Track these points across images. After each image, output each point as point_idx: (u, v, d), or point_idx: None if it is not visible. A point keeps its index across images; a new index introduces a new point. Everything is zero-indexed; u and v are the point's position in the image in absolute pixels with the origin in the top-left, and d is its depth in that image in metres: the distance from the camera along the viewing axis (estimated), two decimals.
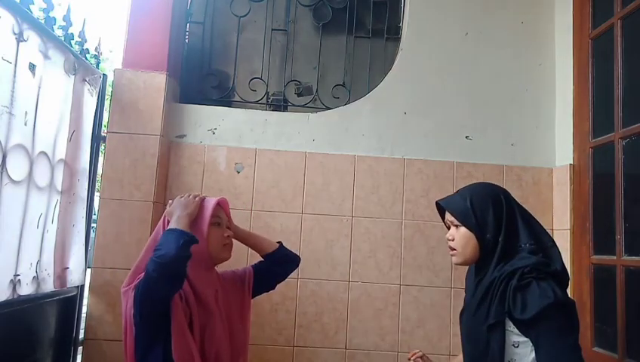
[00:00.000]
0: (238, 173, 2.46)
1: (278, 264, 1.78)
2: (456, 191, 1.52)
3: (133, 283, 1.43)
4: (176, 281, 1.38)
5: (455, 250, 1.45)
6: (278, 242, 1.80)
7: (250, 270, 1.76)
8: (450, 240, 1.47)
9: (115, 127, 2.34)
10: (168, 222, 1.53)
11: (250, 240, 1.79)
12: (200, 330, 1.45)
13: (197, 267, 1.50)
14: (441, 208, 1.52)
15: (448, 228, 1.50)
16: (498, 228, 1.39)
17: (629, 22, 2.13)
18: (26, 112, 1.76)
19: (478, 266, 1.44)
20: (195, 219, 1.55)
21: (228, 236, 1.63)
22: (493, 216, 1.40)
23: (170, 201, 1.61)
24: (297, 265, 1.84)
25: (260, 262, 1.79)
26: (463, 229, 1.43)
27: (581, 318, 2.22)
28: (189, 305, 1.45)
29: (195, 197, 1.59)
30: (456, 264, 1.48)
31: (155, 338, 1.39)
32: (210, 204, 1.59)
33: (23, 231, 1.76)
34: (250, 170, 2.46)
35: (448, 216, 1.48)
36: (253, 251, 1.81)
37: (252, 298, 1.73)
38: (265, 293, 1.81)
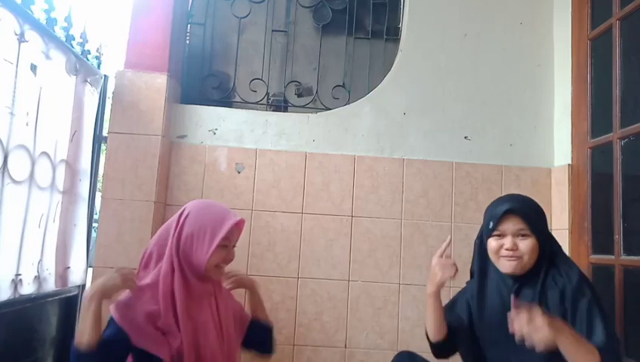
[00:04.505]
0: (239, 173, 2.48)
1: (256, 331, 1.71)
2: (510, 200, 1.51)
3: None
4: None
5: (521, 258, 1.44)
6: (271, 325, 1.76)
7: (248, 317, 1.72)
8: (513, 250, 1.44)
9: (117, 127, 2.35)
10: (181, 235, 1.49)
11: (254, 304, 1.75)
12: (192, 340, 1.45)
13: (192, 276, 1.49)
14: (504, 215, 1.47)
15: (500, 236, 1.48)
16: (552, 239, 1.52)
17: (627, 23, 2.14)
18: (27, 113, 1.77)
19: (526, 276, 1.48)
20: (207, 229, 1.49)
21: (229, 259, 1.56)
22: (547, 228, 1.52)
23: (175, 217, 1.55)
24: (266, 353, 1.73)
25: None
26: (531, 240, 1.44)
27: None
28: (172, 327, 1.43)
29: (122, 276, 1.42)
30: (513, 273, 1.46)
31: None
32: (228, 223, 1.51)
33: (24, 230, 1.77)
34: (250, 170, 2.48)
35: (516, 224, 1.45)
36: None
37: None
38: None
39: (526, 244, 1.43)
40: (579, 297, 1.37)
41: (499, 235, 1.47)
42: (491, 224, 1.48)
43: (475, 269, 1.60)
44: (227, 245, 1.54)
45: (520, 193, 2.41)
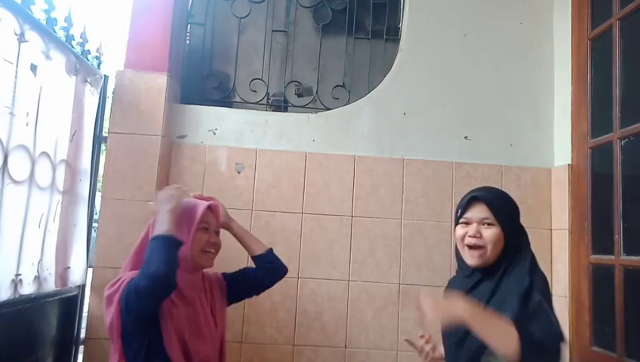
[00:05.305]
0: (239, 173, 2.48)
1: (263, 269, 1.74)
2: (479, 190, 1.48)
3: (120, 289, 1.41)
4: (169, 292, 1.40)
5: (484, 248, 1.39)
6: (270, 247, 1.78)
7: (221, 277, 1.73)
8: (477, 237, 1.39)
9: (117, 127, 2.35)
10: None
11: (240, 235, 1.76)
12: (187, 328, 1.47)
13: (182, 269, 1.49)
14: (470, 203, 1.44)
15: (466, 224, 1.44)
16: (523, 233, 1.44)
17: (627, 23, 2.14)
18: (27, 113, 1.77)
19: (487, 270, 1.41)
20: (183, 220, 1.52)
21: (214, 243, 1.59)
22: (518, 222, 1.44)
23: (150, 203, 1.58)
24: (282, 275, 1.79)
25: (236, 271, 1.77)
26: (495, 229, 1.39)
27: (580, 318, 2.24)
28: (176, 306, 1.46)
29: (177, 189, 1.55)
30: (476, 265, 1.40)
31: (144, 338, 1.42)
32: (201, 208, 1.55)
33: (24, 230, 1.77)
34: (250, 171, 2.48)
35: (480, 213, 1.41)
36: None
37: (228, 305, 1.72)
38: (256, 296, 1.79)
39: (490, 233, 1.38)
40: (527, 301, 1.29)
41: (465, 223, 1.44)
42: (459, 212, 1.46)
43: (457, 262, 1.56)
44: (207, 228, 1.58)
45: (519, 193, 2.45)
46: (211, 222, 1.61)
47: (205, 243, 1.56)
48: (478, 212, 1.41)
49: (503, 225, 1.39)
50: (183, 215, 1.53)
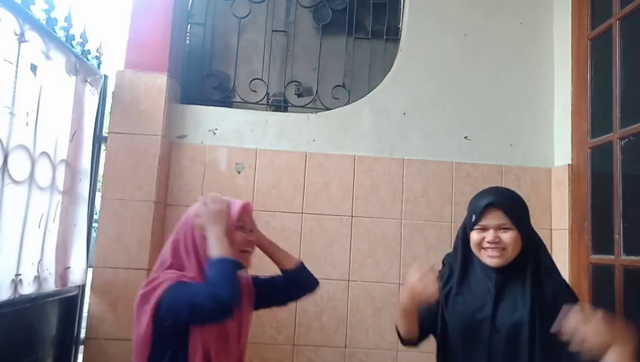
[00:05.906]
0: (239, 173, 2.48)
1: (293, 283, 1.66)
2: (492, 194, 1.47)
3: (158, 288, 1.37)
4: (227, 318, 1.37)
5: (504, 249, 1.40)
6: (301, 261, 1.69)
7: (251, 283, 1.66)
8: (496, 242, 1.40)
9: (117, 127, 2.35)
10: (196, 235, 1.46)
11: (270, 250, 1.68)
12: (214, 344, 1.43)
13: None
14: (485, 209, 1.43)
15: (482, 230, 1.43)
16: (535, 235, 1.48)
17: (627, 23, 2.14)
18: (27, 113, 1.77)
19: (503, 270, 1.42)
20: None
21: (250, 241, 1.57)
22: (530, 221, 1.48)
23: (192, 211, 1.52)
24: (314, 290, 1.70)
25: (267, 277, 1.69)
26: (512, 233, 1.40)
27: None
28: None
29: (218, 201, 1.50)
30: (497, 265, 1.41)
31: (171, 343, 1.39)
32: (236, 207, 1.53)
33: (24, 230, 1.77)
34: (250, 170, 2.48)
35: (497, 220, 1.41)
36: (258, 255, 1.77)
37: (255, 309, 1.67)
38: (283, 306, 1.74)
39: (508, 236, 1.40)
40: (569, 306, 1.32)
41: (481, 229, 1.44)
42: (474, 217, 1.45)
43: (458, 259, 1.53)
44: (243, 226, 1.56)
45: (519, 193, 2.44)
46: (246, 220, 1.58)
47: (244, 243, 1.53)
48: (495, 218, 1.42)
49: (520, 228, 1.41)
50: None
